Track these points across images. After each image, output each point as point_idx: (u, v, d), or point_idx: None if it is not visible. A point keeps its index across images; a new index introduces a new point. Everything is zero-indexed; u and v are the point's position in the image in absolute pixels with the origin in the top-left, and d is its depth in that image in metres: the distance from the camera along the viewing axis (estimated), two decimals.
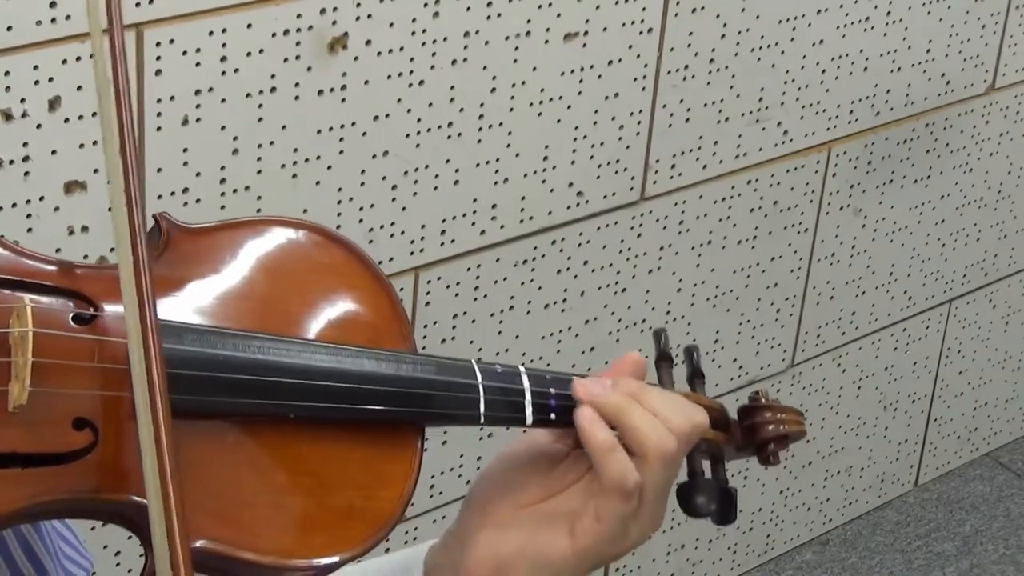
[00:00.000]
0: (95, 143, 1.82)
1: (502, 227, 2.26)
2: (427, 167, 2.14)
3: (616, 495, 1.01)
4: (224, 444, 0.95)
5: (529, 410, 1.04)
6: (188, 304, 0.98)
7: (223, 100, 1.91)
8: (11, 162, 1.78)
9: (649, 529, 1.05)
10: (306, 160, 2.01)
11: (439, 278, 2.22)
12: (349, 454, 0.99)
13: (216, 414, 0.95)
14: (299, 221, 1.05)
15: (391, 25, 2.01)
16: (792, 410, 1.16)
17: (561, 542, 1.03)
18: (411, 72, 2.06)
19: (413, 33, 2.04)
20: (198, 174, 1.92)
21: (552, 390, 1.05)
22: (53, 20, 1.74)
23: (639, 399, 1.04)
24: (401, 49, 2.04)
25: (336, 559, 0.96)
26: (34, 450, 0.89)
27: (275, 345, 0.97)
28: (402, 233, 2.15)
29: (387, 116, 2.06)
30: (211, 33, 1.87)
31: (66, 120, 1.79)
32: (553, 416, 1.05)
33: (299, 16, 1.93)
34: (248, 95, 1.93)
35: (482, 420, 1.03)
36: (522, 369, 1.05)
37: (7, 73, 1.74)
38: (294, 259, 1.03)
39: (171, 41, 1.84)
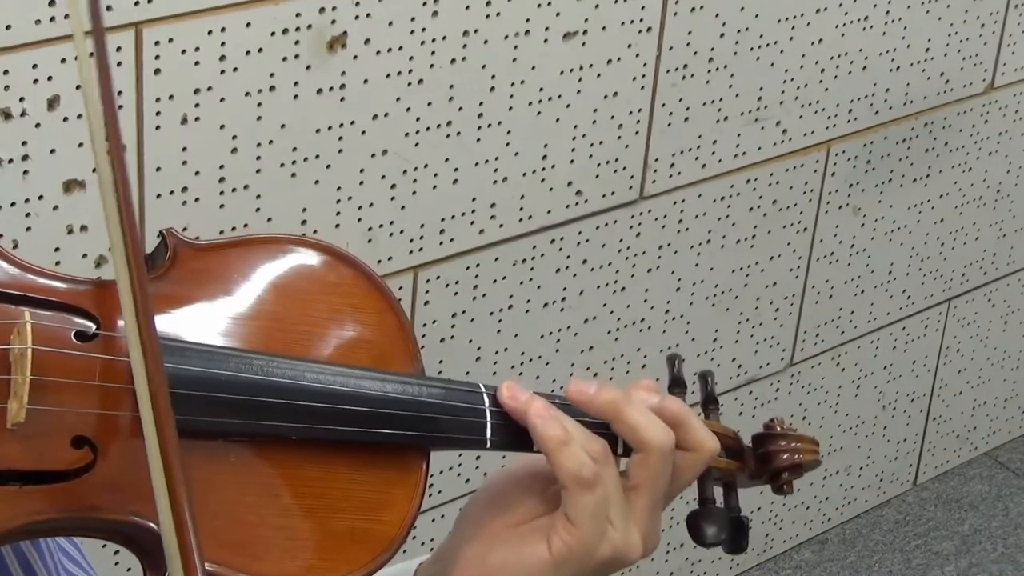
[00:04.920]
0: None
1: (501, 226, 2.26)
2: (426, 166, 2.14)
3: (576, 489, 0.99)
4: (225, 465, 0.94)
5: None
6: (192, 322, 0.97)
7: (222, 99, 1.91)
8: (10, 161, 1.78)
9: (636, 537, 1.02)
10: (305, 159, 2.01)
11: (438, 277, 2.22)
12: (352, 476, 0.98)
13: (218, 434, 0.94)
14: (307, 239, 1.03)
15: (390, 24, 2.01)
16: (807, 439, 1.15)
17: (539, 550, 1.01)
18: (410, 71, 2.06)
19: (412, 32, 2.04)
20: (197, 173, 1.92)
21: None
22: (52, 19, 1.74)
23: (630, 396, 1.03)
24: (400, 48, 2.04)
25: None
26: (33, 468, 0.88)
27: (279, 365, 0.96)
28: (401, 232, 2.15)
29: (386, 115, 2.06)
30: (210, 32, 1.87)
31: (65, 119, 1.79)
32: None
33: (298, 15, 1.93)
34: (247, 94, 1.93)
35: (488, 445, 1.02)
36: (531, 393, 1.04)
37: (6, 72, 1.74)
38: (301, 278, 1.02)
39: (170, 40, 1.84)
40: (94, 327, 0.91)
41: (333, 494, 0.97)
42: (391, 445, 0.99)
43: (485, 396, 1.02)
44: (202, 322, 0.97)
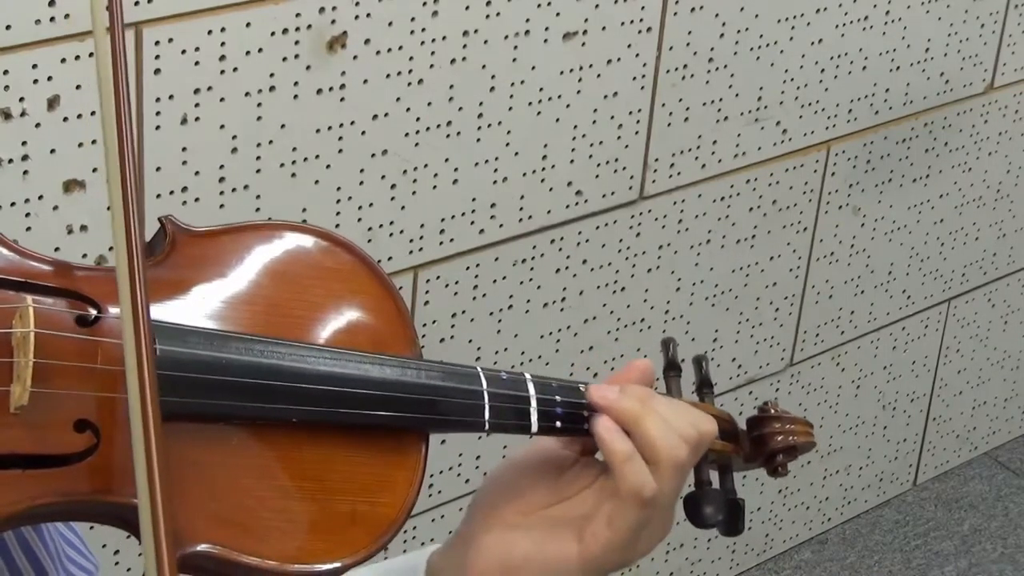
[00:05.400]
0: (94, 142, 1.82)
1: (501, 226, 2.26)
2: (426, 166, 2.14)
3: (633, 504, 1.01)
4: (227, 448, 0.95)
5: (534, 417, 1.04)
6: (191, 307, 0.98)
7: (222, 99, 1.91)
8: (10, 161, 1.78)
9: (657, 538, 1.05)
10: (305, 159, 2.01)
11: (438, 277, 2.22)
12: (352, 459, 0.99)
13: (219, 417, 0.95)
14: (305, 226, 1.04)
15: (390, 24, 2.01)
16: (801, 421, 1.16)
17: (569, 548, 1.03)
18: (410, 71, 2.06)
19: (412, 32, 2.04)
20: (197, 173, 1.92)
21: (558, 398, 1.05)
22: (52, 19, 1.74)
23: (650, 406, 1.04)
24: (400, 48, 2.04)
25: (337, 565, 0.96)
26: (35, 451, 0.89)
27: (278, 349, 0.97)
28: (401, 232, 2.15)
29: (386, 115, 2.06)
30: (210, 32, 1.87)
31: (65, 119, 1.79)
32: (559, 424, 1.05)
33: (298, 15, 1.93)
34: (247, 94, 1.93)
35: (487, 427, 1.03)
36: (528, 376, 1.04)
37: (6, 72, 1.74)
38: (299, 264, 1.03)
39: (170, 40, 1.84)
40: (95, 312, 0.92)
41: (333, 477, 0.98)
42: (391, 428, 1.00)
43: (483, 379, 1.03)
44: (202, 307, 0.98)
